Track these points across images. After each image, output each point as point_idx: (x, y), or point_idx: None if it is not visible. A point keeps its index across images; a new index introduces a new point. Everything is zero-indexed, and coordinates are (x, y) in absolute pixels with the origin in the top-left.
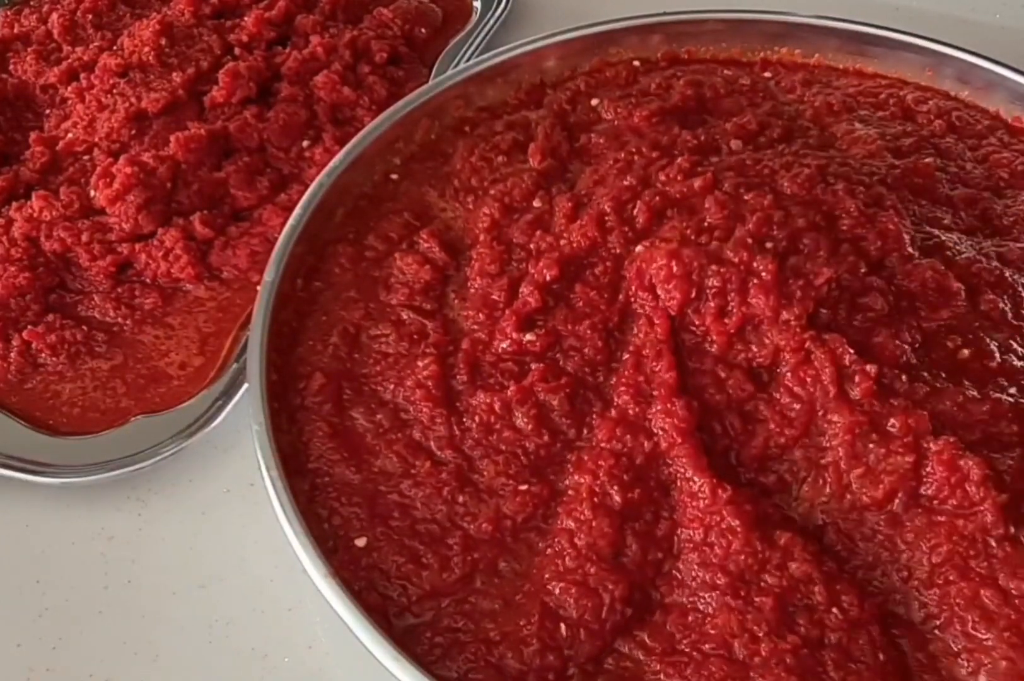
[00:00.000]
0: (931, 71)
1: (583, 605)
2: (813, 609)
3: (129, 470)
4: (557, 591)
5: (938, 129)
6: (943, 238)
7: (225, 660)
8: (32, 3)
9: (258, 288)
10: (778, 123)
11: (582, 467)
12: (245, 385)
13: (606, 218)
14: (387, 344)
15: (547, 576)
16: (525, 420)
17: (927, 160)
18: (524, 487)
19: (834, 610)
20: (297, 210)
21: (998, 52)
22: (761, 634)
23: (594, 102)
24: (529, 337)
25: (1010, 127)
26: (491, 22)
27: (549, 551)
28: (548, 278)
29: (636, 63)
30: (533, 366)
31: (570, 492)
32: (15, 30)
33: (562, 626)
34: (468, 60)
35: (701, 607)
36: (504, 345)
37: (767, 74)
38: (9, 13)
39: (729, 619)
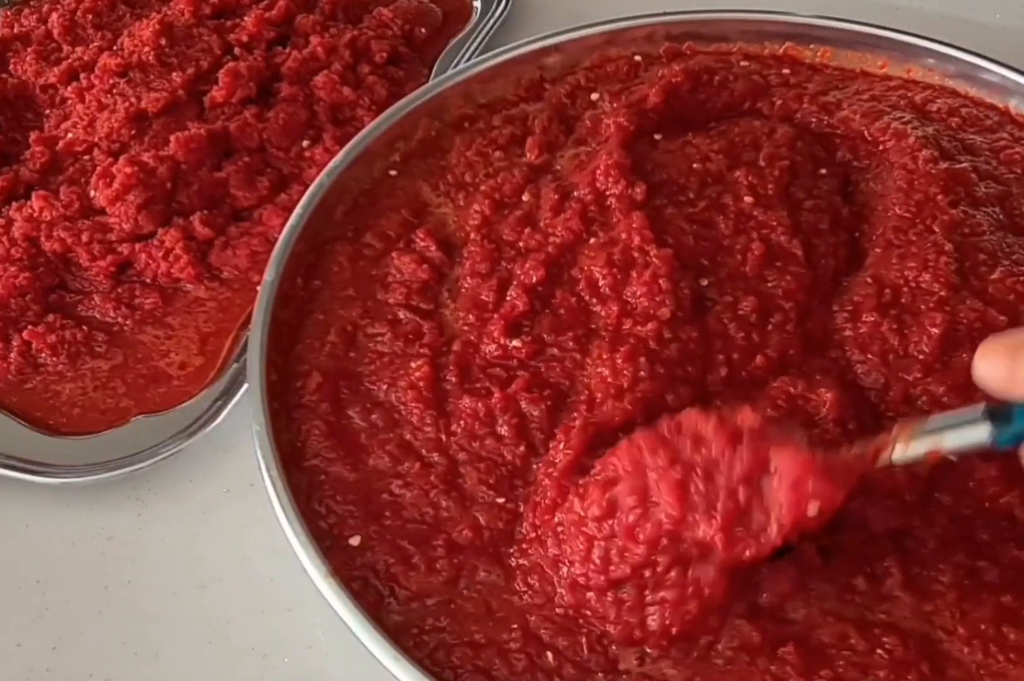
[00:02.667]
0: (933, 70)
1: (563, 643)
2: (853, 655)
3: (129, 470)
4: (533, 620)
5: (955, 125)
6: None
7: (225, 660)
8: (32, 3)
9: (258, 288)
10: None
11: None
12: (245, 385)
13: (590, 207)
14: (383, 343)
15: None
16: (507, 429)
17: (963, 165)
18: (501, 500)
19: (878, 651)
20: (297, 210)
21: (998, 52)
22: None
23: (594, 96)
24: (515, 343)
25: (1017, 122)
26: (491, 22)
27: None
28: (534, 280)
29: (637, 58)
30: (519, 374)
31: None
32: (15, 30)
33: (548, 654)
34: (468, 60)
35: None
36: (491, 349)
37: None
38: (9, 13)
39: (751, 671)
